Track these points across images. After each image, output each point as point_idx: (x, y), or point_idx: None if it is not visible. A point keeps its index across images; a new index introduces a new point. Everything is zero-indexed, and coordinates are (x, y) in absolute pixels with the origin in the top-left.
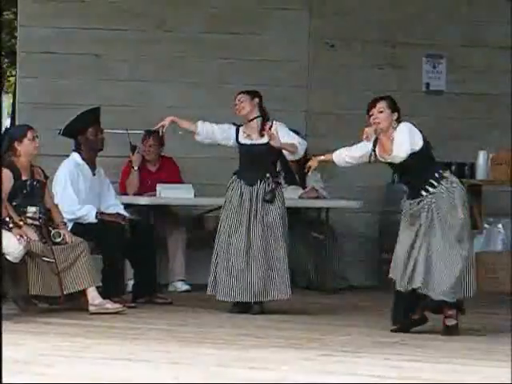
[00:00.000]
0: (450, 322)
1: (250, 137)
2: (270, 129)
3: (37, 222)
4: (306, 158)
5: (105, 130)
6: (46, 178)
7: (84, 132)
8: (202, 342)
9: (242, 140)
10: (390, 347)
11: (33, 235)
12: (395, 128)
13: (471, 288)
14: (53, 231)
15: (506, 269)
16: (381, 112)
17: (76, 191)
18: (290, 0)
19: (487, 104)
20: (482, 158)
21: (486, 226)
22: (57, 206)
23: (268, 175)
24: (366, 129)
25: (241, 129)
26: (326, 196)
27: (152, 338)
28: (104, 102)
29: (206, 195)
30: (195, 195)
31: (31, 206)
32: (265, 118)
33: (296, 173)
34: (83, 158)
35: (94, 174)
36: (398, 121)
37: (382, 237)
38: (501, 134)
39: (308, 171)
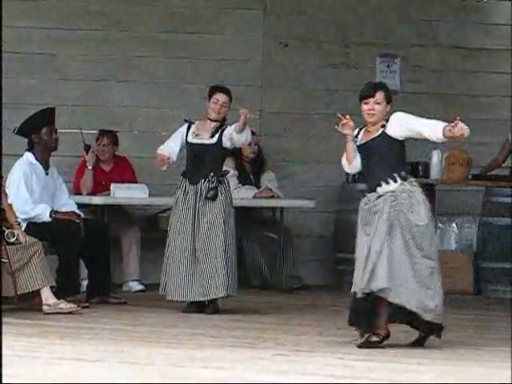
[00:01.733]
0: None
1: (200, 136)
2: (222, 131)
3: None
4: (260, 158)
5: (58, 130)
6: (0, 178)
7: (38, 131)
8: (155, 342)
9: (190, 139)
10: (343, 347)
11: None
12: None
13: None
14: (7, 231)
15: (460, 268)
16: (378, 104)
17: (30, 191)
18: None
19: (441, 103)
20: (435, 158)
21: (440, 225)
22: (11, 205)
23: (212, 174)
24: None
25: (193, 126)
26: (281, 196)
27: (106, 337)
28: (59, 102)
29: (161, 195)
30: (150, 195)
31: None
32: (223, 122)
33: (250, 173)
34: (36, 158)
35: (47, 174)
36: (389, 114)
37: (337, 236)
38: None
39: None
